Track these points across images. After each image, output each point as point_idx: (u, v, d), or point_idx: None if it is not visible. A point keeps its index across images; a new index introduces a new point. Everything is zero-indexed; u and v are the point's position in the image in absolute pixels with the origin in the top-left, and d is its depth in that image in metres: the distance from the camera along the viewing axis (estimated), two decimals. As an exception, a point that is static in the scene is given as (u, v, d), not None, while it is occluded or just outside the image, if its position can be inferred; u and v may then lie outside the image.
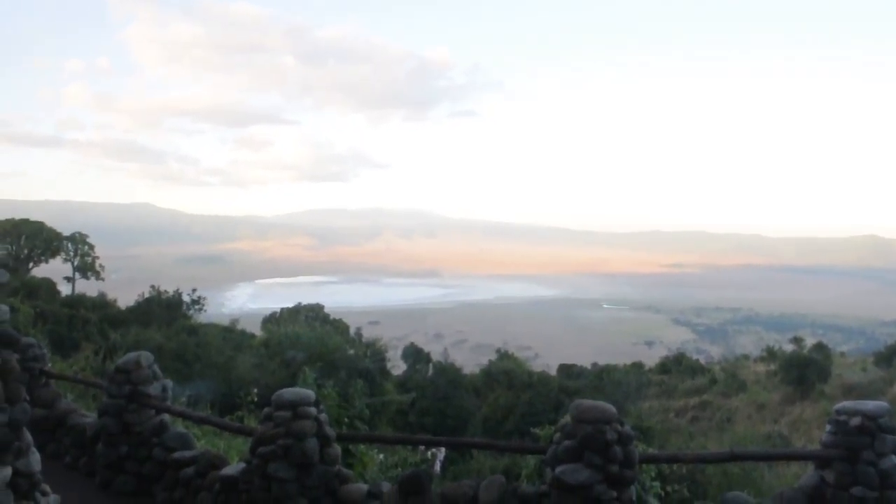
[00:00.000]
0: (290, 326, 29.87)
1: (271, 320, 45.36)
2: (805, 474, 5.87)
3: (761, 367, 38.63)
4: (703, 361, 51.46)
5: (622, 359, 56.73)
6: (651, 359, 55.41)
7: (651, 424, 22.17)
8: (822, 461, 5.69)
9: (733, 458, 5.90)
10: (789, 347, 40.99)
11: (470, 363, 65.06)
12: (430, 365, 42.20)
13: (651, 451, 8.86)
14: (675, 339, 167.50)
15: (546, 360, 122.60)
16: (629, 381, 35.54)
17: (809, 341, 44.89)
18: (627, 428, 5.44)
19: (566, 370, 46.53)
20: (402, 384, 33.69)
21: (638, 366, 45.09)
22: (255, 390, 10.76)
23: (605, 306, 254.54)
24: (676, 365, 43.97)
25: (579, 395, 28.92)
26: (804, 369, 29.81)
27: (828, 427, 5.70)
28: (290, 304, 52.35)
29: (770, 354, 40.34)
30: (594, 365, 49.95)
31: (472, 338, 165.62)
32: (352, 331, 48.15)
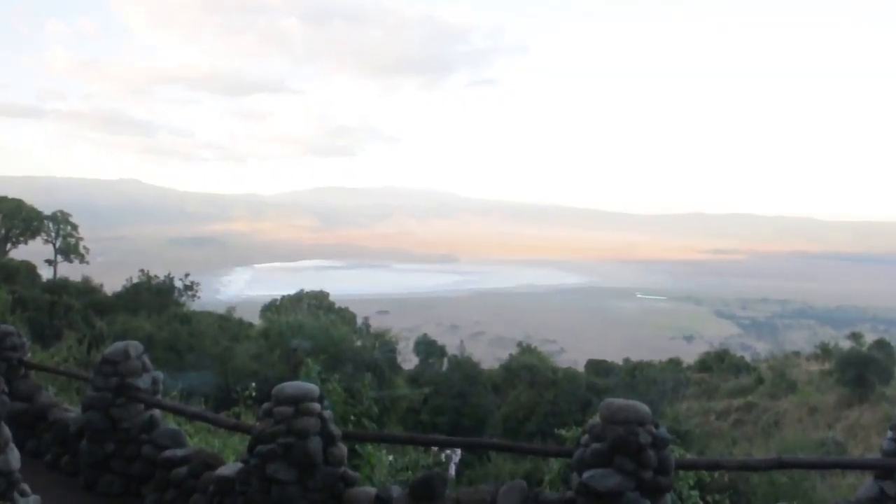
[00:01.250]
0: (291, 315, 30.06)
1: (271, 308, 45.72)
2: (862, 486, 5.80)
3: (814, 366, 38.29)
4: (748, 358, 51.09)
5: (657, 355, 56.51)
6: (690, 355, 55.15)
7: (689, 427, 22.13)
8: (882, 471, 5.62)
9: (781, 465, 5.84)
10: (846, 344, 40.60)
11: (488, 357, 65.12)
12: (445, 359, 42.45)
13: (689, 456, 8.82)
14: (717, 333, 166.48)
15: (573, 355, 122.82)
16: (665, 380, 35.47)
17: (869, 337, 44.39)
18: (663, 430, 5.41)
19: (595, 366, 46.51)
20: (414, 379, 33.87)
21: (675, 362, 44.92)
22: (254, 384, 10.85)
23: (638, 296, 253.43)
24: (718, 362, 43.75)
25: (609, 394, 28.87)
26: (863, 369, 29.45)
27: (889, 434, 5.62)
28: (292, 291, 52.73)
29: (824, 352, 39.98)
30: (626, 361, 49.86)
31: (491, 330, 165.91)
32: (359, 321, 48.45)
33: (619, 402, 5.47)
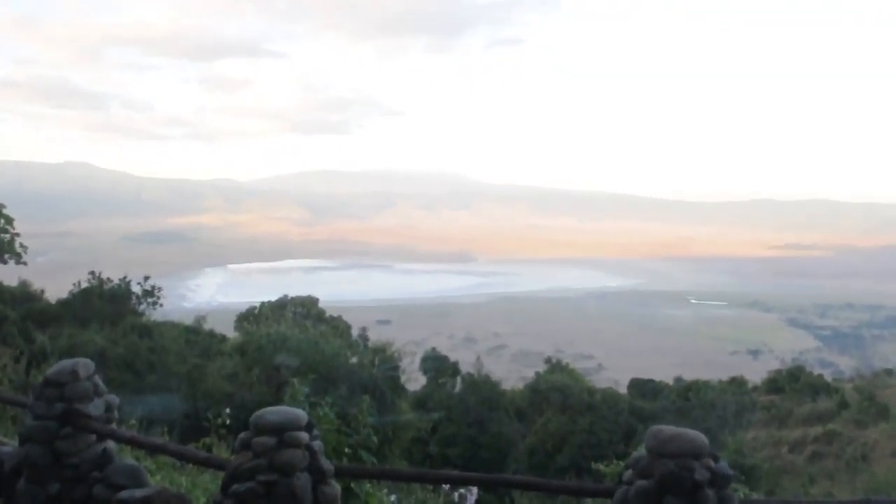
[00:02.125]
0: (273, 326, 30.17)
1: (249, 318, 45.85)
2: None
3: (910, 387, 38.07)
4: (828, 377, 50.83)
5: (716, 372, 56.33)
6: (756, 373, 54.99)
7: (756, 461, 22.07)
8: None
9: (869, 508, 5.83)
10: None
11: (511, 376, 65.15)
12: (459, 378, 42.43)
13: (756, 496, 8.82)
14: (791, 346, 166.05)
15: (613, 373, 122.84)
16: (726, 403, 35.35)
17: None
18: (724, 465, 5.41)
19: (640, 387, 46.42)
20: (422, 403, 33.94)
21: (738, 382, 44.78)
22: (228, 410, 10.93)
23: (693, 301, 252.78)
24: (792, 382, 43.53)
25: (658, 421, 28.79)
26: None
27: None
28: (274, 297, 52.87)
29: (923, 369, 39.72)
30: (678, 380, 49.68)
31: (515, 343, 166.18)
32: (355, 332, 48.51)
33: (670, 430, 5.46)
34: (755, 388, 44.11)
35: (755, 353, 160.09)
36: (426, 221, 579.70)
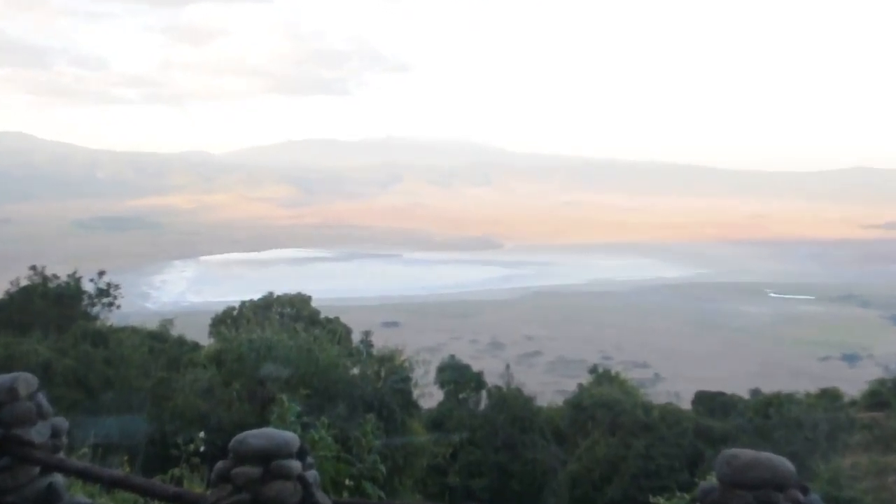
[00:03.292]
0: (256, 330, 30.23)
1: (226, 321, 45.99)
2: None
3: None
4: (944, 388, 50.45)
5: (803, 383, 56.10)
6: (854, 383, 54.69)
7: (855, 494, 21.95)
8: None
9: None
10: None
11: (548, 389, 65.26)
12: (483, 392, 42.43)
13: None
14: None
15: (674, 384, 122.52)
16: (816, 421, 35.12)
17: None
18: (815, 498, 5.38)
19: (708, 402, 46.25)
20: (438, 423, 33.98)
21: (831, 395, 44.52)
22: (202, 433, 10.95)
23: (772, 295, 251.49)
24: (898, 394, 43.29)
25: (731, 443, 28.68)
26: None
27: None
28: (257, 295, 53.04)
29: None
30: (755, 393, 49.44)
31: (551, 348, 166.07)
32: (356, 337, 48.57)
33: (747, 454, 5.42)
34: (853, 403, 43.80)
35: (851, 359, 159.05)
36: (441, 200, 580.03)
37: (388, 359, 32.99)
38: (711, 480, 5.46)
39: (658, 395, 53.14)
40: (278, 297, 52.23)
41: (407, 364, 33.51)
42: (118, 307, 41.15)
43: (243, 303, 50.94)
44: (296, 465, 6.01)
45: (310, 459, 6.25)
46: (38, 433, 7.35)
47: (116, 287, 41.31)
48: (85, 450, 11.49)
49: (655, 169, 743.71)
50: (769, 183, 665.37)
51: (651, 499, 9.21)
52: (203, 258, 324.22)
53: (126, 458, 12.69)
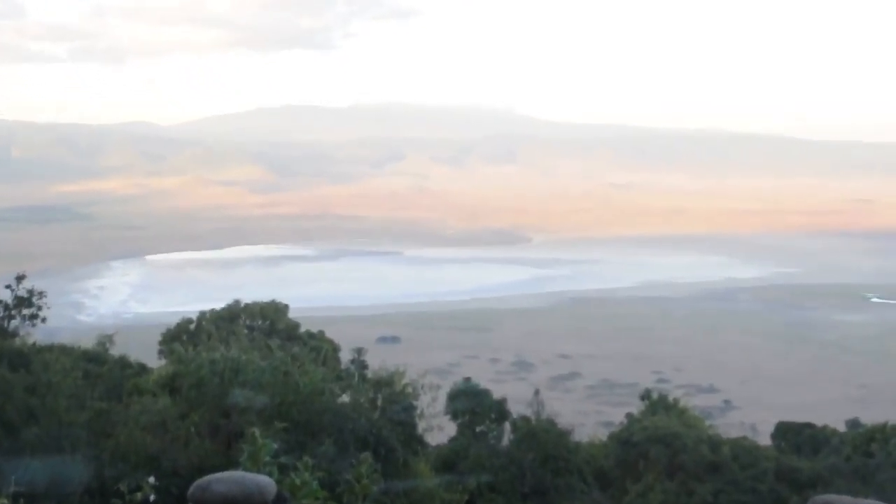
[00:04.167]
0: (220, 348, 30.33)
1: (181, 336, 46.18)
2: None
3: None
4: None
5: (916, 412, 55.78)
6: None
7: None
8: None
9: None
10: None
11: (589, 420, 65.04)
12: (507, 425, 42.44)
13: None
14: None
15: (749, 413, 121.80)
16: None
17: None
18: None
19: (792, 435, 46.23)
20: (450, 463, 33.98)
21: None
22: (152, 479, 10.97)
23: (874, 300, 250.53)
24: None
25: (823, 487, 28.58)
26: None
27: None
28: (220, 304, 53.17)
29: None
30: (853, 425, 49.41)
31: (592, 368, 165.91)
32: (346, 356, 48.70)
33: (844, 502, 5.44)
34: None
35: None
36: (452, 182, 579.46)
37: (386, 383, 33.13)
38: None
39: (729, 426, 52.97)
40: (247, 305, 52.37)
41: (410, 390, 33.64)
42: (43, 320, 41.12)
43: (203, 313, 51.07)
44: (272, 517, 6.03)
45: (290, 510, 6.28)
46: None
47: (41, 295, 41.28)
48: (3, 501, 11.54)
49: (726, 140, 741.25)
50: (874, 157, 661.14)
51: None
52: (150, 258, 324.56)
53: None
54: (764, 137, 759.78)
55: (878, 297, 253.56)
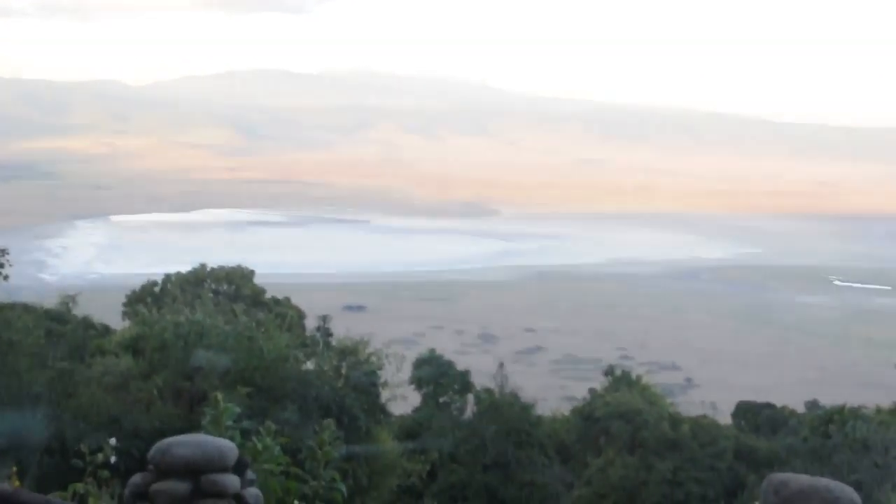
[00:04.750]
0: (184, 311, 30.23)
1: (145, 298, 45.99)
2: None
3: None
4: None
5: (872, 395, 56.36)
6: (936, 397, 54.93)
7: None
8: None
9: None
10: None
11: (553, 395, 65.19)
12: (470, 396, 42.59)
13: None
14: None
15: (709, 391, 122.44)
16: (888, 443, 35.39)
17: None
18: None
19: (752, 415, 46.58)
20: (413, 433, 34.11)
21: (907, 410, 44.86)
22: (114, 440, 10.93)
23: (837, 283, 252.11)
24: None
25: (780, 466, 28.82)
26: None
27: None
28: (186, 267, 52.97)
29: None
30: (812, 406, 49.77)
31: (557, 343, 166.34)
32: (311, 323, 48.72)
33: (801, 481, 5.48)
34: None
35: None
36: (421, 152, 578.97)
37: (350, 351, 33.08)
38: (755, 511, 5.50)
39: (690, 405, 53.32)
40: (212, 270, 52.16)
41: (375, 358, 33.58)
42: (6, 278, 40.84)
43: (168, 276, 50.86)
44: (233, 480, 6.02)
45: (250, 474, 6.28)
46: None
47: (3, 252, 40.96)
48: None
49: (695, 119, 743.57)
50: (839, 141, 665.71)
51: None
52: (115, 218, 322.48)
53: (15, 469, 12.66)
54: (732, 117, 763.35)
55: (841, 280, 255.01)
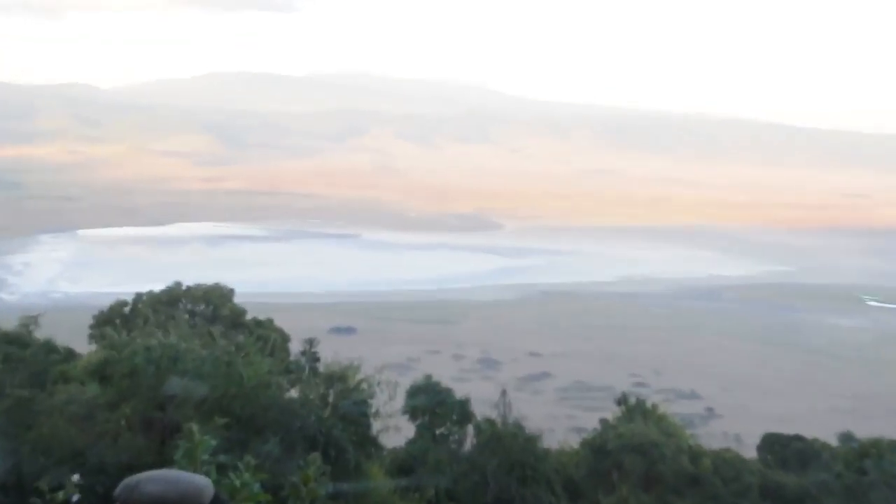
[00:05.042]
0: (157, 334, 30.14)
1: (114, 320, 45.97)
2: None
3: None
4: None
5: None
6: None
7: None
8: None
9: None
10: None
11: (560, 425, 65.39)
12: (470, 427, 42.47)
13: None
14: None
15: (733, 422, 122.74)
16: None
17: None
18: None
19: (779, 448, 46.45)
20: (407, 468, 33.96)
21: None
22: (76, 476, 10.77)
23: (871, 303, 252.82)
24: None
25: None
26: None
27: None
28: (159, 286, 53.04)
29: None
30: (845, 438, 49.70)
31: (564, 369, 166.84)
32: (296, 347, 48.63)
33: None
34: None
35: None
36: (417, 161, 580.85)
37: (339, 378, 33.06)
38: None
39: (712, 436, 53.30)
40: (188, 288, 52.22)
41: (365, 386, 33.60)
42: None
43: (139, 295, 50.92)
44: (208, 523, 5.88)
45: (228, 516, 6.10)
46: None
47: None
48: None
49: (711, 125, 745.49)
50: (867, 148, 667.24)
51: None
52: (83, 232, 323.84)
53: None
54: (751, 122, 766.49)
55: (876, 300, 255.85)
